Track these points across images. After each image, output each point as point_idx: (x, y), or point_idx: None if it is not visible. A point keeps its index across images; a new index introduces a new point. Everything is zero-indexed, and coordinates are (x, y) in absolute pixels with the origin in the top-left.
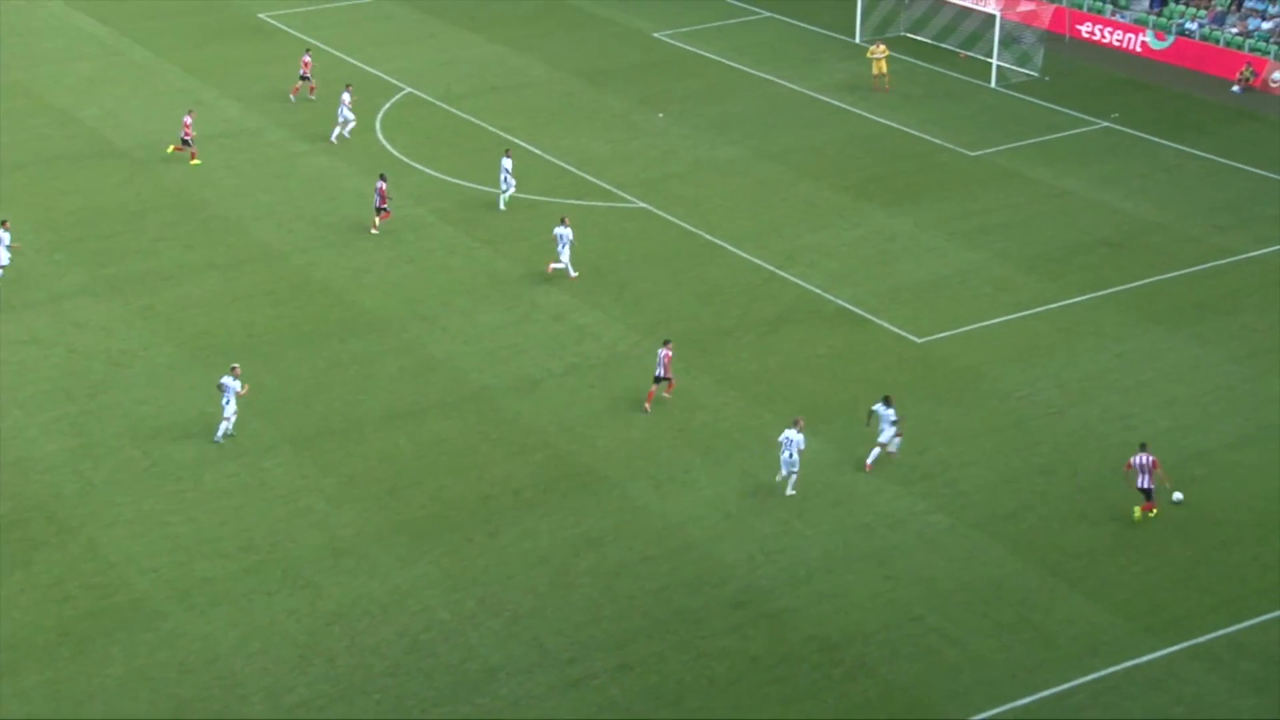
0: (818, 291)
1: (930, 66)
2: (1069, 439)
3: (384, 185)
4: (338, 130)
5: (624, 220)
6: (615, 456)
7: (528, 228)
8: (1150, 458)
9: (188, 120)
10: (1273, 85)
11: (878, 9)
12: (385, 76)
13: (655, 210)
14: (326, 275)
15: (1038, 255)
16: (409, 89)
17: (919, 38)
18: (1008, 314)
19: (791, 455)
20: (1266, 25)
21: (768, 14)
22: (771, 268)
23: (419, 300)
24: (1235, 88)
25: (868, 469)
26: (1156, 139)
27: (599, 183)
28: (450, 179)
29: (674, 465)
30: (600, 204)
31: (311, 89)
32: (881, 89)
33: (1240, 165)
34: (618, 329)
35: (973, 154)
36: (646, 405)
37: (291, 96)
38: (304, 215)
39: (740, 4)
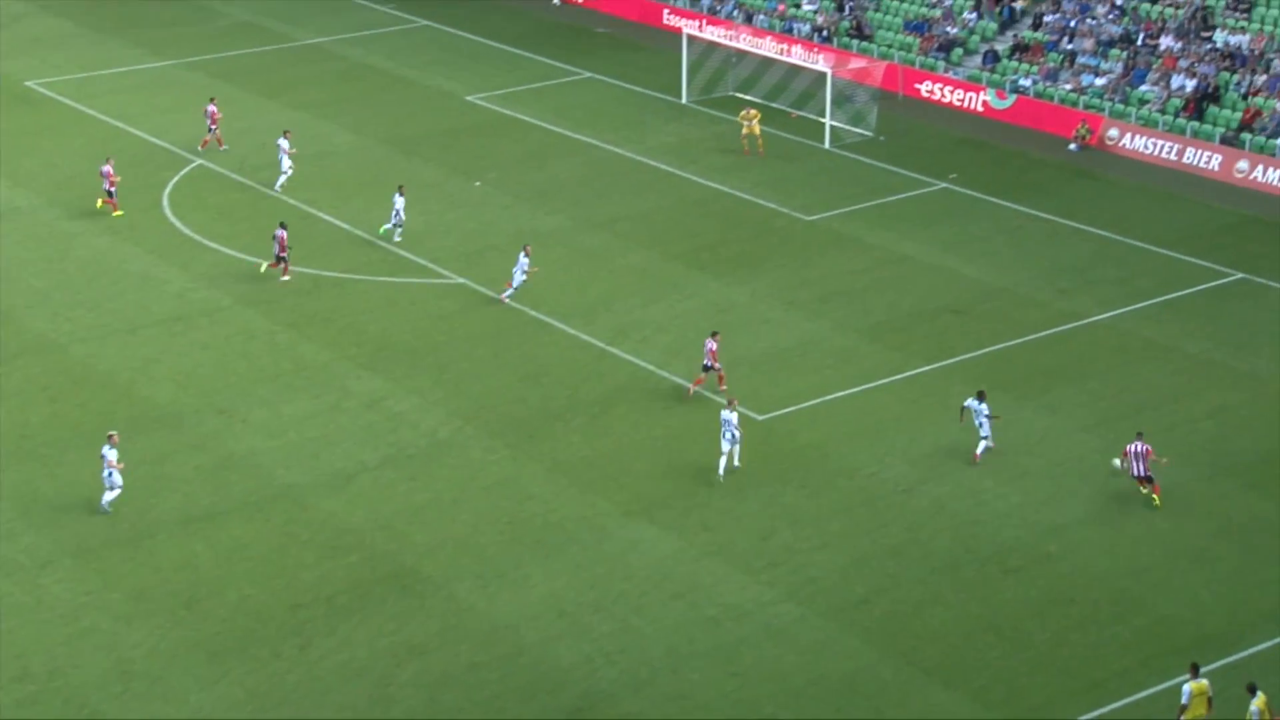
0: (651, 368)
1: (760, 127)
2: (920, 517)
3: (283, 234)
4: (281, 180)
5: (441, 297)
6: (438, 555)
7: (335, 309)
8: (1145, 445)
9: (107, 169)
10: (1109, 143)
11: (703, 68)
12: (172, 148)
13: (475, 286)
14: (111, 367)
15: (880, 324)
16: (199, 160)
17: (748, 97)
18: (852, 386)
19: (732, 434)
20: (1100, 81)
21: (589, 74)
22: (601, 344)
23: (216, 391)
24: (1072, 145)
25: (975, 461)
26: (996, 200)
27: (413, 258)
28: (248, 258)
29: (502, 562)
30: (415, 280)
31: (220, 140)
32: (756, 152)
33: (1081, 226)
34: (438, 414)
35: (808, 218)
36: (690, 390)
37: (200, 148)
38: (83, 301)
39: (559, 64)
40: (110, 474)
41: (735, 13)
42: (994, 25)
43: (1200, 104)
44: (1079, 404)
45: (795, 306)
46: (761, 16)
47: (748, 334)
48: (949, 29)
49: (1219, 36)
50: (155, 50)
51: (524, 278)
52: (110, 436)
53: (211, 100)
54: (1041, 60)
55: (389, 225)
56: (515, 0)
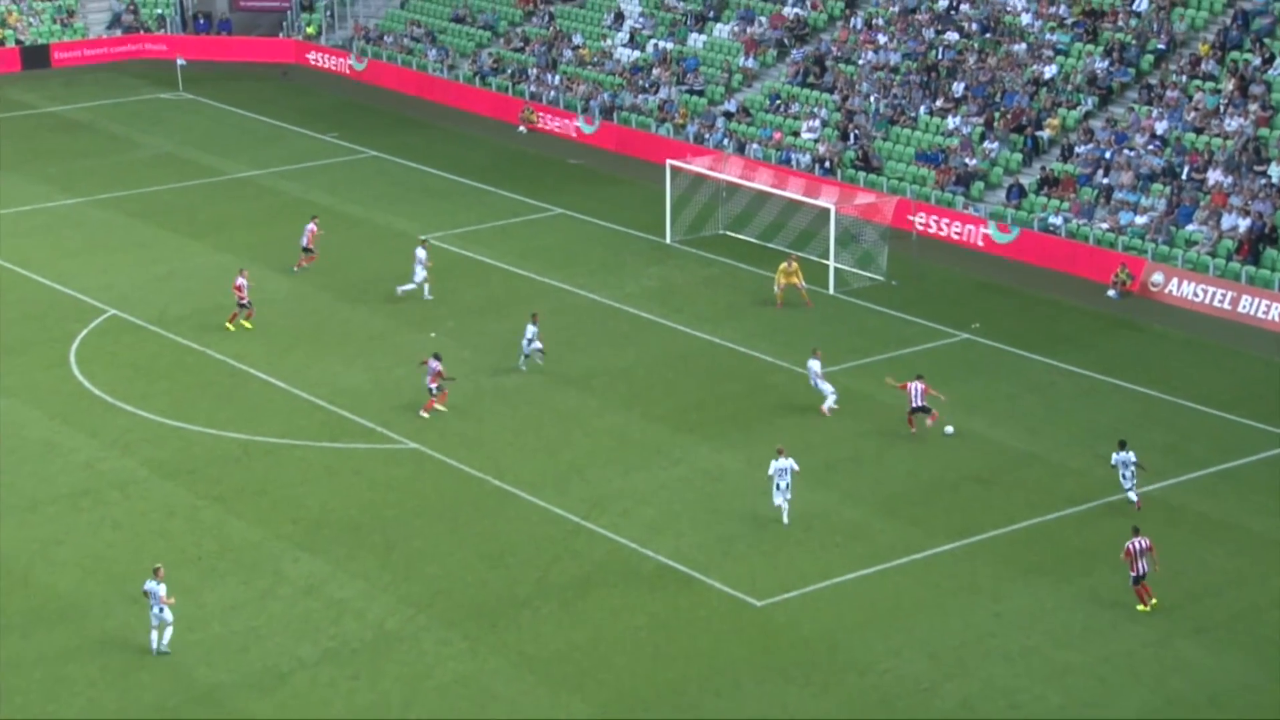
0: (633, 546)
1: (754, 270)
2: None
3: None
4: (409, 286)
5: (391, 465)
6: None
7: (268, 480)
8: (1145, 541)
9: (240, 281)
10: (1152, 289)
11: (690, 204)
12: (81, 296)
13: (429, 451)
14: (6, 550)
15: (895, 495)
16: (112, 310)
17: (742, 236)
18: (864, 568)
19: (786, 484)
20: (1140, 220)
21: (559, 210)
22: (575, 519)
23: (127, 577)
24: (1110, 292)
25: (1137, 507)
26: (1025, 352)
27: (358, 419)
28: (168, 421)
29: None
30: (360, 445)
31: (312, 259)
32: (801, 303)
33: (1122, 383)
34: (385, 601)
35: None
36: (912, 428)
37: (295, 269)
38: None
39: (526, 199)
40: (160, 610)
41: (725, 142)
42: (1018, 156)
43: (1256, 246)
44: (1127, 589)
45: (797, 475)
46: (755, 146)
47: (743, 506)
48: (967, 160)
49: (1274, 171)
50: (64, 186)
51: (538, 346)
52: (156, 570)
53: (313, 219)
54: (1073, 195)
55: (526, 352)
56: (475, 129)
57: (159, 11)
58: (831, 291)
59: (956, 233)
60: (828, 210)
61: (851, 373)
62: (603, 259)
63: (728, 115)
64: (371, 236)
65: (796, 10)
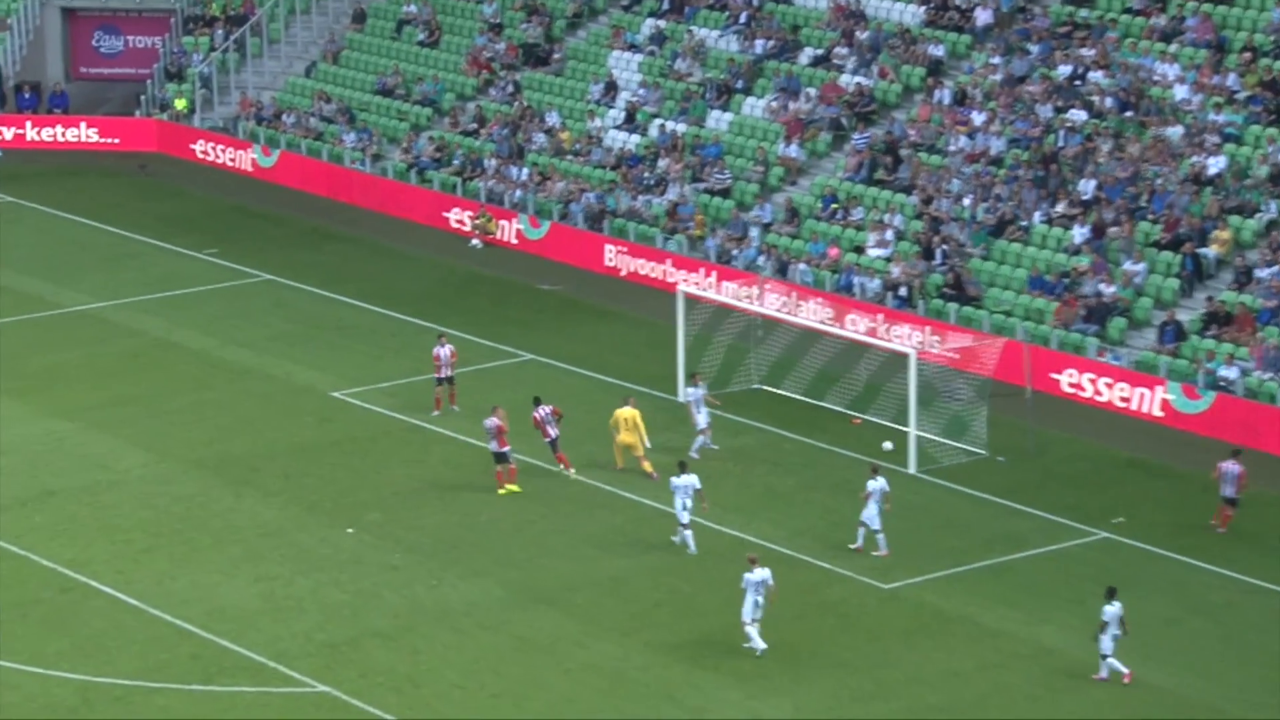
0: None
1: (802, 439)
2: None
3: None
4: (702, 441)
5: (289, 714)
6: None
7: None
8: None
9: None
10: None
11: (712, 346)
12: None
13: (343, 696)
14: None
15: None
16: None
17: (783, 392)
18: None
19: (760, 599)
20: None
21: (528, 355)
22: None
23: None
24: None
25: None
26: (1189, 559)
27: (243, 652)
28: None
29: None
30: (249, 689)
31: (452, 397)
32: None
33: None
34: None
35: (885, 586)
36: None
37: (435, 411)
38: None
39: (483, 340)
40: None
41: (761, 261)
42: (1173, 283)
43: None
44: None
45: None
46: (802, 266)
47: None
48: (1103, 287)
49: None
50: None
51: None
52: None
53: (441, 338)
54: (1253, 338)
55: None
56: (409, 242)
57: None
58: (911, 470)
59: (1122, 397)
60: (905, 357)
61: (941, 586)
62: (588, 424)
63: (764, 225)
64: (264, 392)
65: (859, 79)
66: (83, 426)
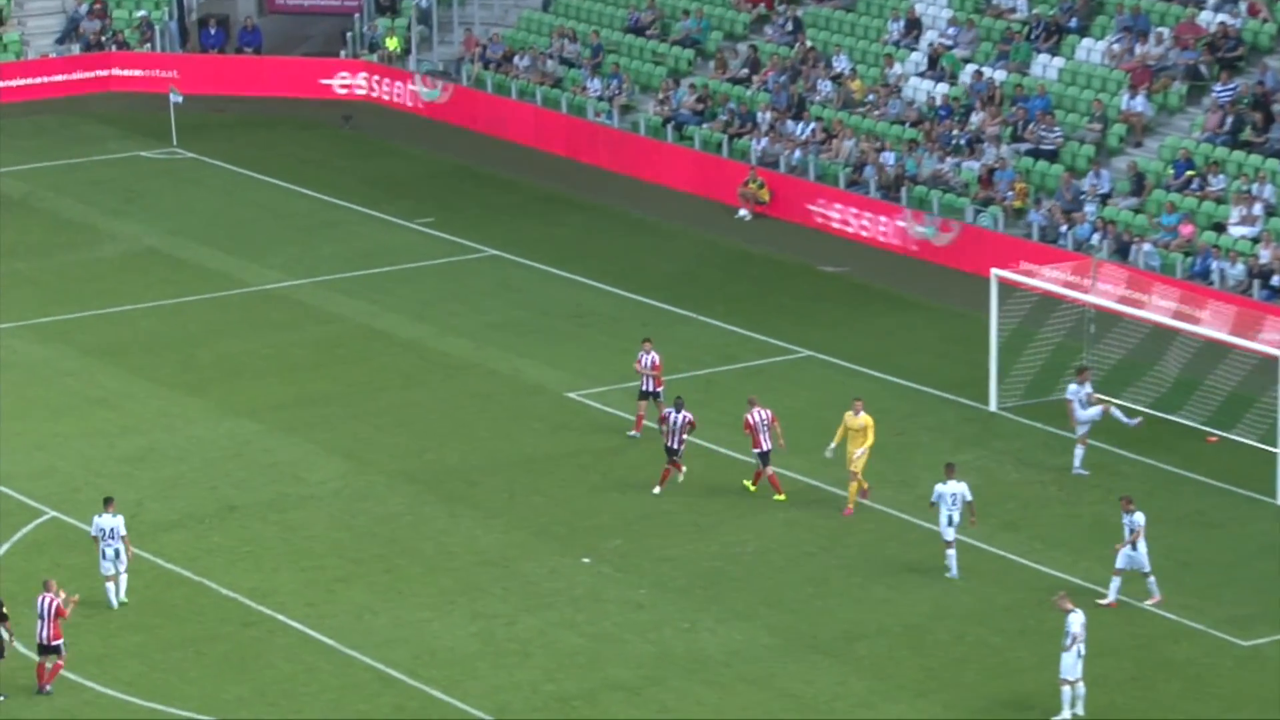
0: None
1: (1148, 461)
2: None
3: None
4: (1080, 453)
5: None
6: None
7: None
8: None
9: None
10: None
11: (1033, 344)
12: (9, 492)
13: None
14: None
15: None
16: (52, 512)
17: (1121, 403)
18: None
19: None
20: None
21: (806, 352)
22: None
23: None
24: None
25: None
26: None
27: (456, 704)
28: (146, 703)
29: None
30: None
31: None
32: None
33: None
34: None
35: (1244, 644)
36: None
37: (634, 432)
38: None
39: (751, 334)
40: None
41: (1095, 240)
42: None
43: None
44: None
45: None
46: (1147, 247)
47: None
48: None
49: None
50: None
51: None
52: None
53: (646, 343)
54: None
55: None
56: (663, 210)
57: (141, 14)
58: None
59: None
60: (1276, 361)
61: None
62: (877, 435)
63: (1101, 196)
64: (486, 391)
65: (1222, 17)
66: (269, 429)
